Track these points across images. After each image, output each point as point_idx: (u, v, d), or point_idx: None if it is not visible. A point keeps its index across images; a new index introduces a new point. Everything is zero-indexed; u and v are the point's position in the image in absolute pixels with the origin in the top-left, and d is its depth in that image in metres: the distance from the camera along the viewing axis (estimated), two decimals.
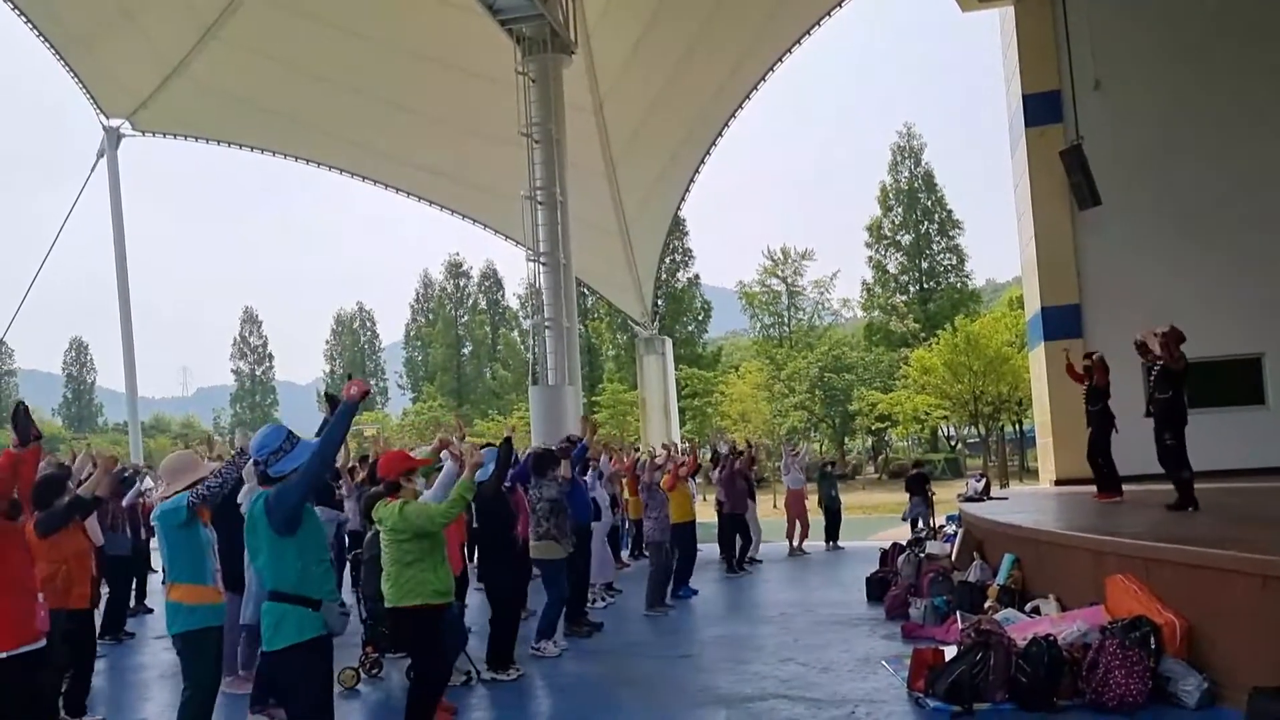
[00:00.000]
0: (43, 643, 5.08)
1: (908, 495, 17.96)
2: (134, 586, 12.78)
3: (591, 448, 11.79)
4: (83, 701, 7.31)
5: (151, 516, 5.99)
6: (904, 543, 13.12)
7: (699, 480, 16.66)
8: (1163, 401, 9.54)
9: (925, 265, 60.77)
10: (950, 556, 11.25)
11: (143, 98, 26.01)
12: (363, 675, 8.31)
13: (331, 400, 6.00)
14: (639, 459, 14.57)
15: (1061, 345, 14.24)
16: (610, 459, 14.60)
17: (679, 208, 32.90)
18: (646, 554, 13.43)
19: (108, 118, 26.55)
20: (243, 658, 8.06)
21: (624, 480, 15.13)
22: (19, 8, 22.94)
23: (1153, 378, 9.75)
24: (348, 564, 11.49)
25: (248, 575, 7.61)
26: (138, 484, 11.12)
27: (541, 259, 20.43)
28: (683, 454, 14.66)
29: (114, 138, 26.74)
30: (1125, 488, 11.33)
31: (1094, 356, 11.38)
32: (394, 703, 7.36)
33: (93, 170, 26.95)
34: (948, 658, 6.85)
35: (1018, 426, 52.07)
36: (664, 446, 15.41)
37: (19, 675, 4.92)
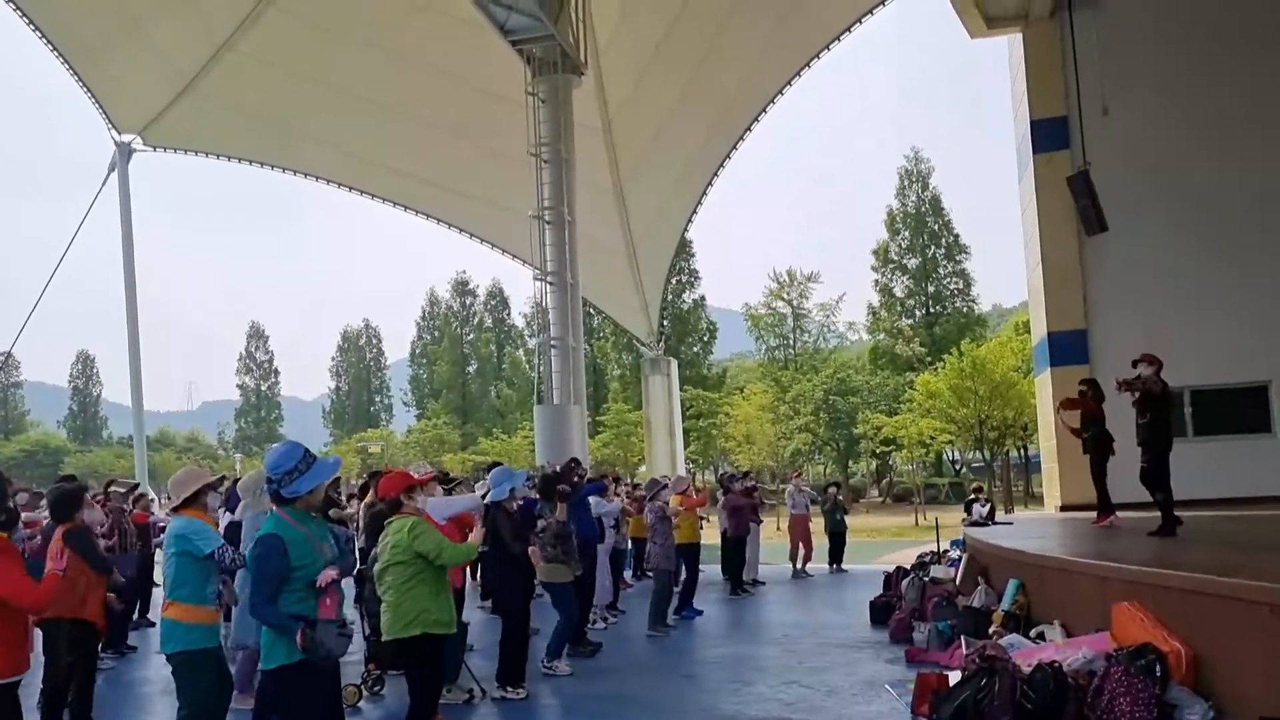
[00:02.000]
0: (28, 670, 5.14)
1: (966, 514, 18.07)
2: (138, 601, 12.78)
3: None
4: (88, 714, 7.34)
5: (165, 534, 6.04)
6: (908, 567, 13.09)
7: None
8: (1143, 427, 9.60)
9: (931, 289, 60.73)
10: (955, 581, 11.21)
11: (154, 113, 26.18)
12: (364, 692, 8.30)
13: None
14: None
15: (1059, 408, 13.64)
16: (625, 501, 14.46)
17: (686, 229, 32.96)
18: (649, 574, 13.42)
19: (119, 133, 26.70)
20: (242, 679, 8.04)
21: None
22: (34, 23, 23.15)
23: (1134, 404, 9.78)
24: (350, 580, 11.46)
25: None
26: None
27: (549, 278, 20.46)
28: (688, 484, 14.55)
29: (125, 152, 26.88)
30: (1120, 514, 11.31)
31: (1085, 385, 11.40)
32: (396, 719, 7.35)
33: (103, 185, 27.09)
34: (952, 683, 6.83)
35: (1023, 452, 51.95)
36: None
37: (12, 701, 4.97)
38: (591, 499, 11.57)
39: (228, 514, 9.29)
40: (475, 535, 6.67)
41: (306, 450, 4.90)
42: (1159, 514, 9.70)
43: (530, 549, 8.83)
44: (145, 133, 26.78)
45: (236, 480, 9.21)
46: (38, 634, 6.58)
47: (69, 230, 27.27)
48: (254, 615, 4.73)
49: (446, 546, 5.99)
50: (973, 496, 18.29)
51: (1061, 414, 11.99)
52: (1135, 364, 9.78)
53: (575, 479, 10.89)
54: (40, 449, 72.43)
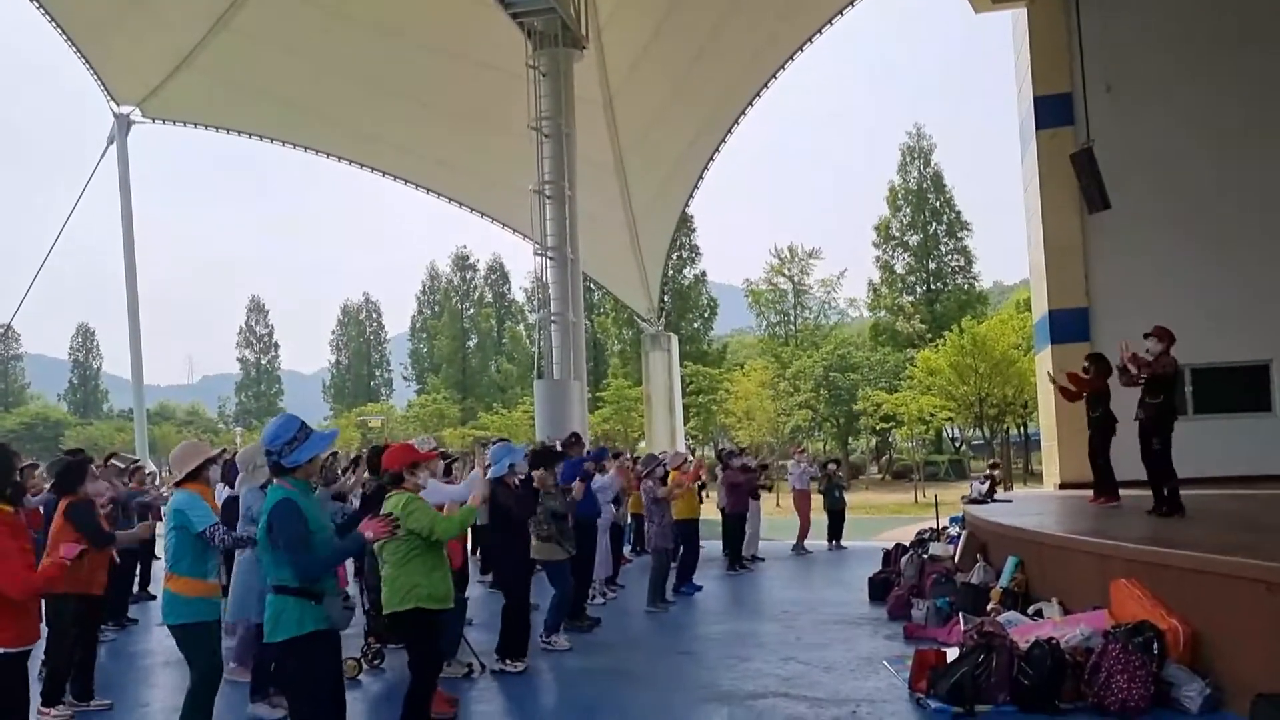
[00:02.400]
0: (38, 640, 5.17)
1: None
2: (138, 573, 12.84)
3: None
4: (89, 686, 7.40)
5: (165, 509, 6.07)
6: (907, 543, 13.12)
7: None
8: (1153, 406, 9.50)
9: (933, 266, 60.66)
10: (953, 558, 11.25)
11: (153, 85, 26.03)
12: (364, 666, 8.33)
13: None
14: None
15: (1051, 375, 13.40)
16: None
17: (687, 204, 32.85)
18: (649, 550, 13.44)
19: (118, 104, 26.56)
20: (238, 652, 8.07)
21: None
22: None
23: (1141, 383, 9.68)
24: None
25: (234, 572, 7.70)
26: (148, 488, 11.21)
27: (549, 253, 20.41)
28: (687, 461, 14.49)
29: (124, 124, 26.75)
30: (1121, 492, 11.31)
31: (1090, 360, 11.35)
32: (395, 694, 7.36)
33: (102, 157, 26.97)
34: (950, 659, 6.84)
35: (1022, 429, 51.99)
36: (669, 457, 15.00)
37: (21, 671, 5.00)
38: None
39: (226, 489, 9.28)
40: (476, 497, 6.57)
41: (303, 423, 4.94)
42: (1154, 495, 9.68)
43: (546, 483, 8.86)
44: (145, 104, 26.65)
45: (235, 454, 9.20)
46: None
47: (69, 203, 27.17)
48: (306, 573, 4.67)
49: (439, 521, 5.97)
50: (988, 473, 18.34)
51: (1055, 382, 11.93)
52: (1146, 336, 9.67)
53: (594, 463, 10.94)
54: (40, 421, 72.50)
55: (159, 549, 14.02)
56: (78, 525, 6.78)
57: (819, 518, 17.84)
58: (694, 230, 63.25)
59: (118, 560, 7.88)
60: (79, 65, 25.38)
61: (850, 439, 59.53)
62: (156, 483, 14.17)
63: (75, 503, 6.96)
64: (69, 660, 7.20)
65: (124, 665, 9.32)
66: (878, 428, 53.81)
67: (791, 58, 25.84)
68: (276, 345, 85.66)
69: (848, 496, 18.93)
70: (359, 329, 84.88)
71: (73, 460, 7.59)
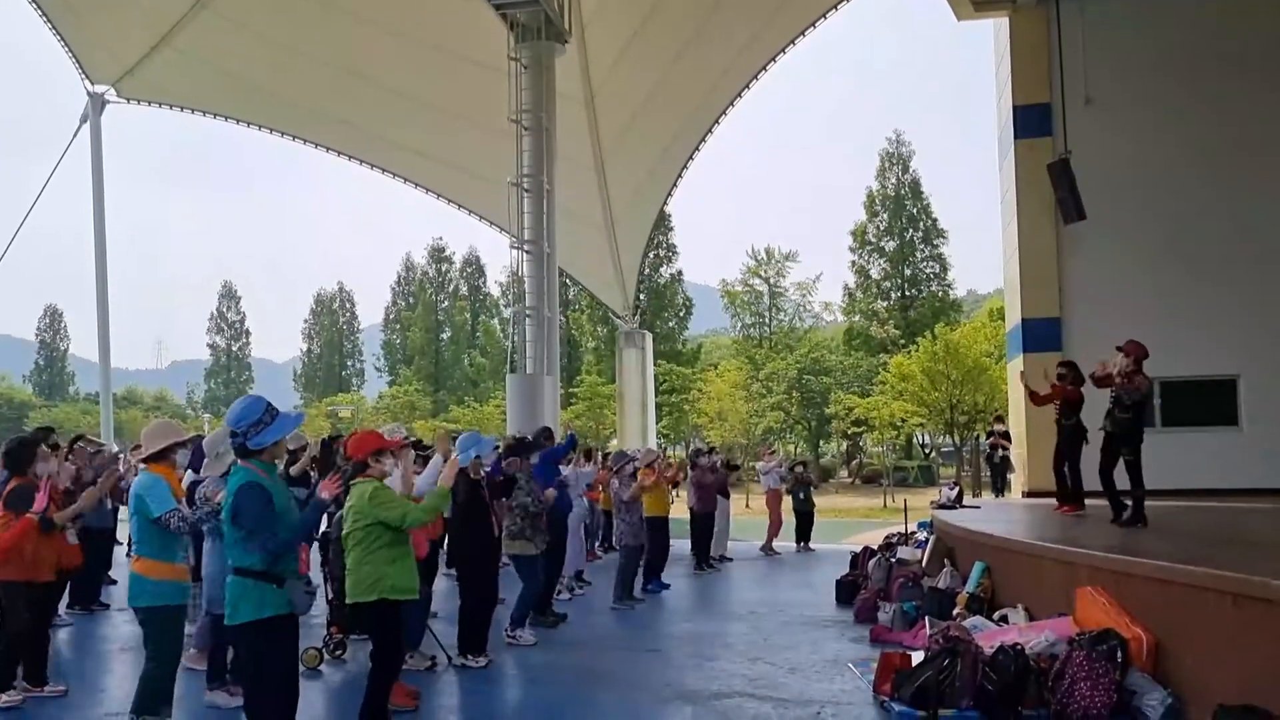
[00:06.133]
0: None
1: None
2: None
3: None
4: (43, 671, 7.25)
5: (131, 490, 5.92)
6: (875, 547, 13.15)
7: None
8: (1124, 420, 9.61)
9: (908, 272, 60.87)
10: (921, 562, 11.26)
11: (129, 65, 25.70)
12: (326, 656, 8.25)
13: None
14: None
15: (1023, 370, 13.42)
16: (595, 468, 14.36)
17: (665, 203, 32.83)
18: (617, 547, 13.40)
19: (92, 83, 26.22)
20: (197, 639, 7.96)
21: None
22: None
23: (1113, 396, 9.76)
24: (315, 544, 11.37)
25: (205, 560, 7.58)
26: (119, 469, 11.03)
27: (525, 247, 20.32)
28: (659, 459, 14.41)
29: (98, 104, 26.41)
30: (1086, 502, 11.35)
31: (1064, 367, 11.36)
32: (356, 684, 7.28)
33: (75, 136, 26.62)
34: (915, 663, 6.85)
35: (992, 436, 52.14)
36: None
37: None
38: (564, 467, 11.53)
39: (190, 472, 9.14)
40: (447, 478, 6.15)
41: (269, 404, 4.92)
42: (1126, 504, 9.74)
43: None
44: (120, 84, 26.32)
45: (203, 438, 9.06)
46: None
47: (39, 183, 26.81)
48: (272, 551, 4.73)
49: (410, 510, 5.89)
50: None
51: (1026, 384, 11.90)
52: (1119, 349, 9.76)
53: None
54: (5, 403, 71.57)
55: (120, 534, 13.89)
56: (16, 514, 6.57)
57: (787, 519, 17.86)
58: (671, 229, 63.23)
59: (71, 542, 7.56)
60: (54, 42, 25.04)
61: (821, 442, 59.73)
62: (121, 467, 14.00)
63: (15, 487, 6.75)
64: (21, 646, 7.02)
65: (83, 651, 9.19)
66: (849, 431, 53.98)
67: (774, 59, 25.81)
68: (248, 332, 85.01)
69: (817, 499, 18.94)
70: (332, 318, 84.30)
71: (21, 439, 7.37)
